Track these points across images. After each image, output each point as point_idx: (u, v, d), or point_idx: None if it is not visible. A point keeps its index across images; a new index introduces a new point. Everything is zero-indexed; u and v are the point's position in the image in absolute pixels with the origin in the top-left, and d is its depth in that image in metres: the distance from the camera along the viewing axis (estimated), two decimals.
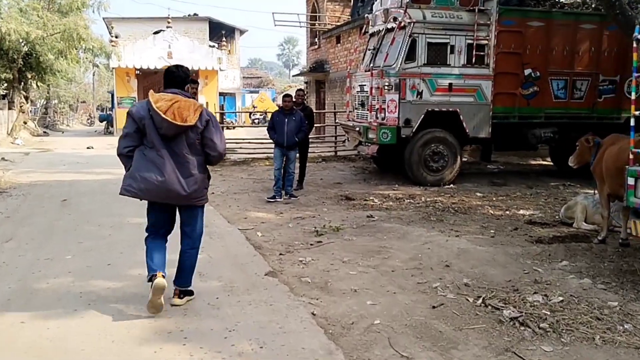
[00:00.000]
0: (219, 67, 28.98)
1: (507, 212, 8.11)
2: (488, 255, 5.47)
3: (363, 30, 12.39)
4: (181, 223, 4.14)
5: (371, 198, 9.20)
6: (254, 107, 36.91)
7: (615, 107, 11.23)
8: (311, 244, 6.12)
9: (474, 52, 10.49)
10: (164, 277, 3.86)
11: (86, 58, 27.28)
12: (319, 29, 20.87)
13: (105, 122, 33.16)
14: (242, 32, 39.42)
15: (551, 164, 14.24)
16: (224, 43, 30.69)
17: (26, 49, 22.04)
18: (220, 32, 35.06)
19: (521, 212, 8.14)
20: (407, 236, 6.36)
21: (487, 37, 10.55)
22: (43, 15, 21.19)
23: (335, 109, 15.76)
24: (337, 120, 13.26)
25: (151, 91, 3.90)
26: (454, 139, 10.71)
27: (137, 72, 28.06)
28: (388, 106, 10.37)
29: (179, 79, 4.04)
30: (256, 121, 32.63)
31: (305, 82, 23.91)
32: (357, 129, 10.92)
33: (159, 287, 3.80)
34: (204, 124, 3.89)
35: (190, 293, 4.22)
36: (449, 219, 7.51)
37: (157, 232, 4.09)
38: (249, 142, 15.00)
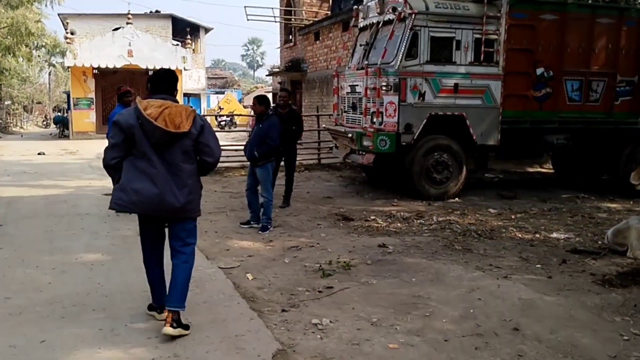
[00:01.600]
0: (184, 67, 27.21)
1: (538, 236, 6.86)
2: (562, 311, 4.13)
3: (352, 24, 11.03)
4: (171, 238, 3.85)
5: (373, 218, 7.82)
6: (220, 108, 35.09)
7: (633, 110, 10.17)
8: (319, 291, 4.68)
9: (482, 49, 9.23)
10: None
11: (39, 56, 25.20)
12: (295, 25, 19.31)
13: (59, 125, 30.85)
14: (207, 30, 37.61)
15: (550, 171, 13.21)
16: (189, 41, 28.87)
17: None
18: (184, 30, 33.21)
19: (554, 235, 6.89)
20: (442, 278, 4.98)
21: (497, 32, 9.31)
22: None
23: (318, 111, 14.31)
24: (322, 125, 11.80)
25: (138, 98, 3.69)
26: (459, 146, 9.44)
27: (95, 71, 26.02)
28: (386, 109, 9.01)
29: (167, 83, 3.82)
30: (222, 124, 30.91)
31: (279, 83, 22.34)
32: (350, 135, 9.52)
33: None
34: (198, 129, 3.69)
35: (186, 327, 3.72)
36: (477, 248, 6.18)
37: (154, 249, 3.92)
38: (221, 149, 13.40)
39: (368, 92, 9.25)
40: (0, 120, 39.04)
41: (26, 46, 21.66)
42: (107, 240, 6.36)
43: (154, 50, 26.46)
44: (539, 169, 13.77)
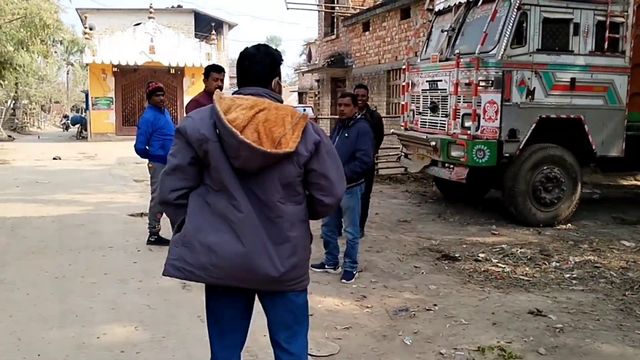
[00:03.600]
0: (208, 64, 25.53)
1: None
2: None
3: (426, 7, 9.11)
4: (270, 324, 2.29)
5: (482, 255, 5.91)
6: None
7: None
8: None
9: (606, 34, 7.26)
10: None
11: (55, 52, 23.65)
12: (338, 14, 17.28)
13: (78, 126, 29.39)
14: (230, 26, 35.91)
15: None
16: (213, 37, 27.15)
17: None
18: (207, 26, 31.54)
19: None
20: None
21: (624, 13, 7.34)
22: None
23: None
24: (391, 130, 9.82)
25: (217, 92, 2.12)
26: (573, 158, 7.48)
27: (115, 68, 24.49)
28: (485, 111, 7.09)
29: (263, 68, 2.21)
30: None
31: (317, 81, 20.36)
32: (433, 143, 7.60)
33: None
34: (311, 148, 2.12)
35: None
36: None
37: (232, 342, 2.29)
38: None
39: (459, 88, 7.34)
40: (16, 120, 37.87)
41: (42, 41, 20.12)
42: (141, 298, 4.52)
43: (177, 47, 24.85)
44: (634, 182, 11.71)
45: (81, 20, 31.90)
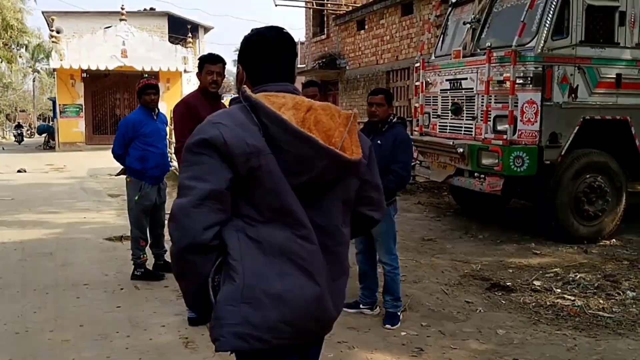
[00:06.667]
0: (184, 69, 24.30)
1: None
2: None
3: None
4: None
5: (537, 283, 4.96)
6: None
7: None
8: None
9: None
10: None
11: (20, 56, 22.21)
12: (330, 12, 16.10)
13: (45, 135, 27.78)
14: (207, 29, 34.64)
15: None
16: (190, 40, 25.87)
17: None
18: (181, 29, 30.26)
19: None
20: None
21: None
22: None
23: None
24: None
25: (245, 86, 1.67)
26: (617, 165, 6.61)
27: (84, 74, 23.07)
28: (523, 112, 6.16)
29: (292, 55, 1.77)
30: None
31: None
32: (461, 150, 6.63)
33: None
34: (367, 155, 1.75)
35: None
36: None
37: None
38: None
39: (490, 87, 6.39)
40: None
41: (5, 45, 18.80)
42: None
43: (150, 51, 23.56)
44: None
45: (47, 24, 30.24)
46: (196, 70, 4.23)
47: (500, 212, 8.08)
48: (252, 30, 1.76)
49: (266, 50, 1.71)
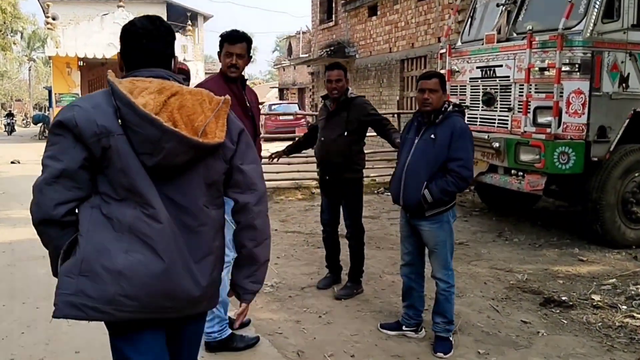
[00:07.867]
0: (184, 57, 23.61)
1: None
2: None
3: None
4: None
5: (595, 298, 4.36)
6: None
7: None
8: None
9: None
10: None
11: (15, 43, 21.48)
12: None
13: (41, 125, 27.17)
14: (206, 17, 33.81)
15: None
16: (190, 28, 25.13)
17: None
18: (181, 17, 29.51)
19: None
20: None
21: None
22: None
23: (399, 108, 10.57)
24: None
25: (110, 71, 1.81)
26: None
27: (81, 62, 22.43)
28: (569, 103, 5.53)
29: (166, 45, 1.84)
30: None
31: (311, 74, 18.45)
32: (497, 144, 6.01)
33: None
34: (235, 139, 1.84)
35: None
36: None
37: None
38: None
39: (531, 75, 5.77)
40: None
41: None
42: None
43: None
44: None
45: (43, 10, 29.56)
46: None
47: (531, 212, 7.49)
48: (130, 20, 1.87)
49: (136, 40, 1.80)
